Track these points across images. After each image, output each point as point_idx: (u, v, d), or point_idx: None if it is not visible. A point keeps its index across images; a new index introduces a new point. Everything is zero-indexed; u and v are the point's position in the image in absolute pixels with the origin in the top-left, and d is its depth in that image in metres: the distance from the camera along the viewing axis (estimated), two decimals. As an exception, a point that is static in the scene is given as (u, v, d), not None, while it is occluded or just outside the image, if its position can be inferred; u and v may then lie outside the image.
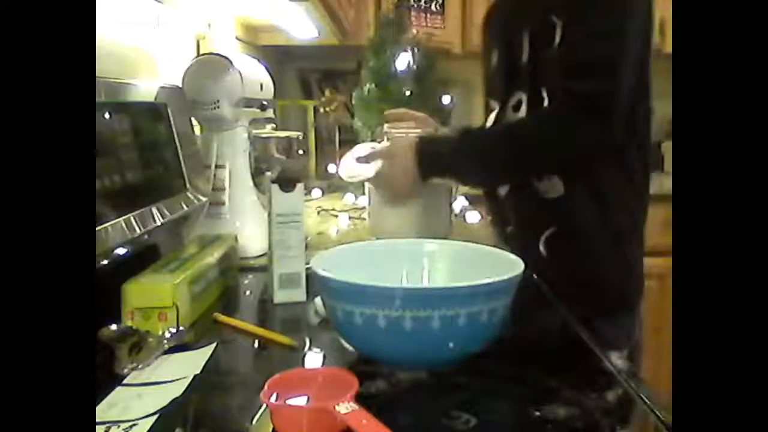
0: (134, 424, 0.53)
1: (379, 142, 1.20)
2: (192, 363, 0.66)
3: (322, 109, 2.29)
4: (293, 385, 0.56)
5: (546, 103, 0.99)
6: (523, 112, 1.04)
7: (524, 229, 1.08)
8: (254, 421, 0.54)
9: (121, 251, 0.79)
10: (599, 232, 1.02)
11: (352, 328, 0.63)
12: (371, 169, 1.08)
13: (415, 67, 1.75)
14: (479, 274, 0.63)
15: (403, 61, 1.74)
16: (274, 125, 1.26)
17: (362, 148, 1.15)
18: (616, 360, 0.67)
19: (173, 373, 0.63)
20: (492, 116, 1.13)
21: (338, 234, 1.40)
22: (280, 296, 0.89)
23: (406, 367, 0.64)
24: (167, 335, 0.71)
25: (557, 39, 0.95)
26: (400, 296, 0.60)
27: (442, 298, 0.60)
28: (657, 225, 1.13)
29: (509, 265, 0.66)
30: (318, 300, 0.78)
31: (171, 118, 1.02)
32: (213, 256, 0.90)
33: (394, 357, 0.64)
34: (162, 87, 1.02)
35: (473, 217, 1.56)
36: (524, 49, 1.02)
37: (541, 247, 1.03)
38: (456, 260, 0.78)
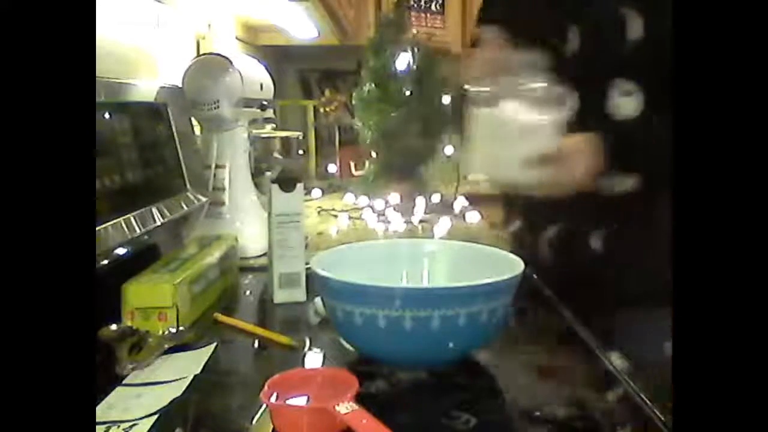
0: (134, 424, 0.53)
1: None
2: (192, 363, 0.66)
3: (322, 109, 2.29)
4: (293, 385, 0.56)
5: (614, 98, 0.92)
6: (569, 108, 0.94)
7: (528, 227, 1.08)
8: (254, 421, 0.54)
9: (121, 251, 0.79)
10: (606, 231, 1.01)
11: (352, 328, 0.63)
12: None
13: (415, 67, 1.75)
14: (479, 274, 0.63)
15: (403, 61, 1.74)
16: (274, 125, 1.26)
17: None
18: (616, 360, 0.67)
19: (173, 373, 0.63)
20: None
21: (338, 234, 1.40)
22: (280, 296, 0.89)
23: (406, 367, 0.64)
24: (167, 335, 0.71)
25: (635, 33, 0.89)
26: (400, 296, 0.60)
27: (442, 298, 0.60)
28: (657, 225, 1.12)
29: (509, 265, 0.66)
30: (318, 300, 0.78)
31: (171, 118, 1.02)
32: (213, 256, 0.90)
33: (394, 357, 0.64)
34: (162, 87, 1.02)
35: (473, 217, 1.56)
36: (570, 42, 0.96)
37: (546, 246, 1.03)
38: (456, 260, 0.78)
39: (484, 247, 0.77)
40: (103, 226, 0.74)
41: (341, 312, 0.63)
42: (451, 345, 0.62)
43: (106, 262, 0.77)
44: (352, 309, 0.61)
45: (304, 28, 1.93)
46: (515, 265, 0.66)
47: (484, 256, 0.75)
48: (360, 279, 0.62)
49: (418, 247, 0.80)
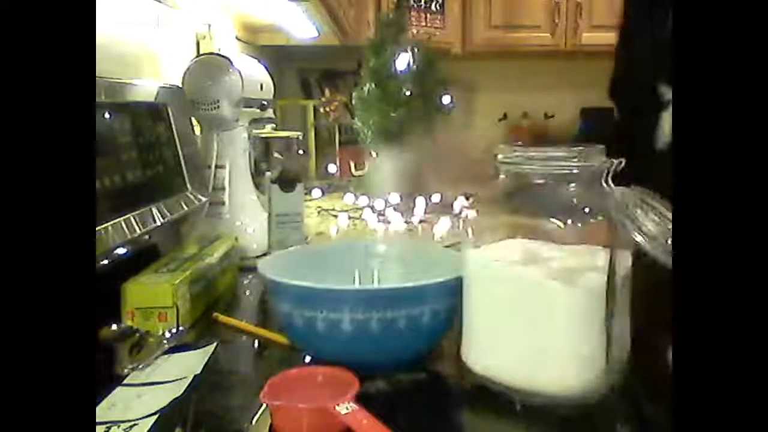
0: (134, 424, 0.53)
1: None
2: (192, 363, 0.66)
3: (322, 109, 2.29)
4: (293, 385, 0.56)
5: None
6: None
7: None
8: (254, 421, 0.54)
9: (121, 251, 0.79)
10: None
11: (294, 328, 0.64)
12: None
13: (415, 67, 1.75)
14: (430, 274, 0.63)
15: (403, 61, 1.74)
16: (274, 125, 1.26)
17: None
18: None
19: (173, 373, 0.63)
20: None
21: (338, 234, 1.40)
22: (280, 296, 0.88)
23: (370, 371, 0.62)
24: (167, 335, 0.71)
25: None
26: (343, 298, 0.60)
27: (382, 299, 0.60)
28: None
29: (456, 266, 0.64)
30: None
31: (171, 118, 1.02)
32: (213, 256, 0.90)
33: (333, 358, 0.61)
34: (162, 87, 1.02)
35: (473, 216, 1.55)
36: None
37: None
38: (405, 261, 0.78)
39: (438, 247, 0.77)
40: (103, 226, 0.74)
41: (282, 313, 0.63)
42: (392, 347, 0.61)
43: (106, 262, 0.77)
44: (290, 311, 0.62)
45: (304, 28, 1.93)
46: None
47: (432, 255, 0.75)
48: (310, 281, 0.62)
49: (371, 247, 0.80)
